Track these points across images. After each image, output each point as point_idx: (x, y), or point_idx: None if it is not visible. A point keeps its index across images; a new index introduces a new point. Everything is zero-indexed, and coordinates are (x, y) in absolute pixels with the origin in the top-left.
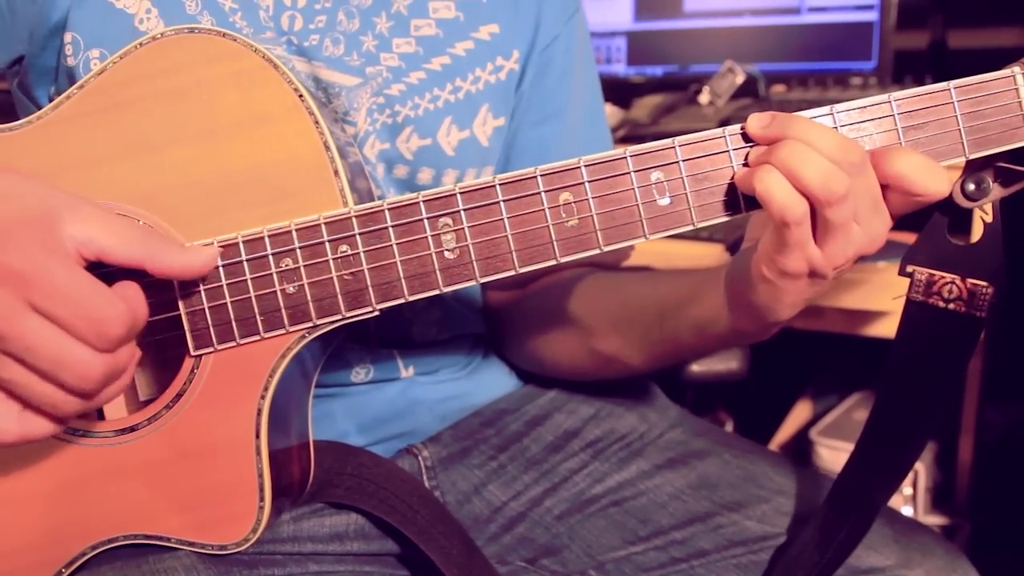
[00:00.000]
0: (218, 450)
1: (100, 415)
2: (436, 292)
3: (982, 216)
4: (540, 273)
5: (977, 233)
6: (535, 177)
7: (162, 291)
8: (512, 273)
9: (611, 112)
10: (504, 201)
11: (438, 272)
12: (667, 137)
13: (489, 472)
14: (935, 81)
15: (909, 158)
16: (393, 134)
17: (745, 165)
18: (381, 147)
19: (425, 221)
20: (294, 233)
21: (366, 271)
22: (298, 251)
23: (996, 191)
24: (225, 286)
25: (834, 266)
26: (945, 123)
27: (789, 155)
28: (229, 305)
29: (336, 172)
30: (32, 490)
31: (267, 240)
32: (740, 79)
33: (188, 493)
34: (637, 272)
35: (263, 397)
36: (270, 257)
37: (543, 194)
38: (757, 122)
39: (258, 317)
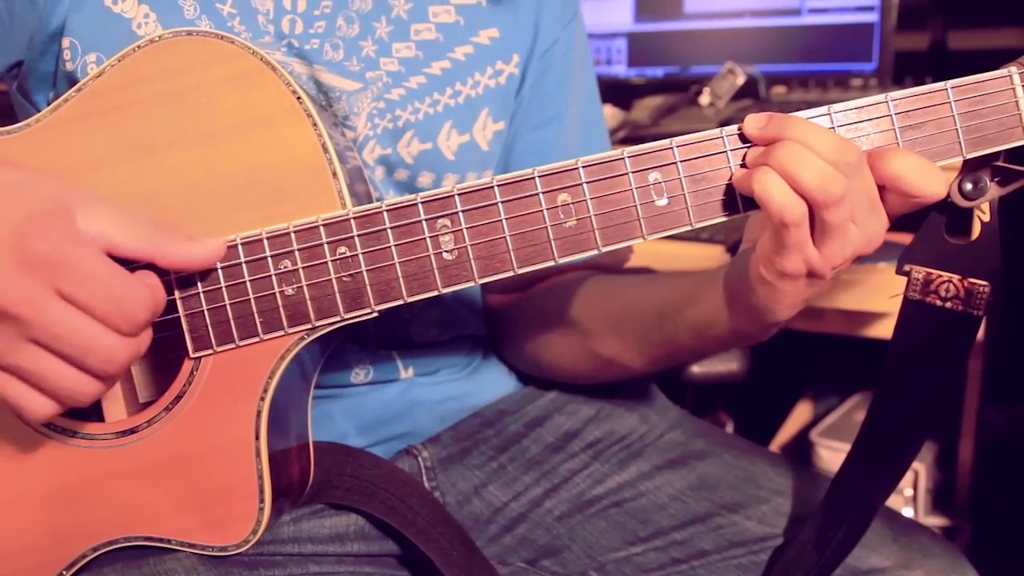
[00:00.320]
0: (218, 452)
1: (100, 417)
2: (435, 293)
3: (979, 215)
4: (540, 276)
5: (975, 232)
6: (533, 178)
7: None
8: (510, 274)
9: (611, 113)
10: (502, 202)
11: (436, 273)
12: (667, 138)
13: (489, 473)
14: (935, 82)
15: (906, 159)
16: (394, 138)
17: (743, 166)
18: (382, 152)
19: (423, 222)
20: (292, 235)
21: (365, 272)
22: (296, 253)
23: (993, 190)
24: (224, 288)
25: (832, 266)
26: (942, 123)
27: (786, 157)
28: (228, 307)
29: (334, 174)
30: (33, 492)
31: (266, 242)
32: (740, 80)
33: (188, 495)
34: (636, 275)
35: (262, 399)
36: (269, 259)
37: (541, 195)
38: (754, 123)
39: (257, 319)
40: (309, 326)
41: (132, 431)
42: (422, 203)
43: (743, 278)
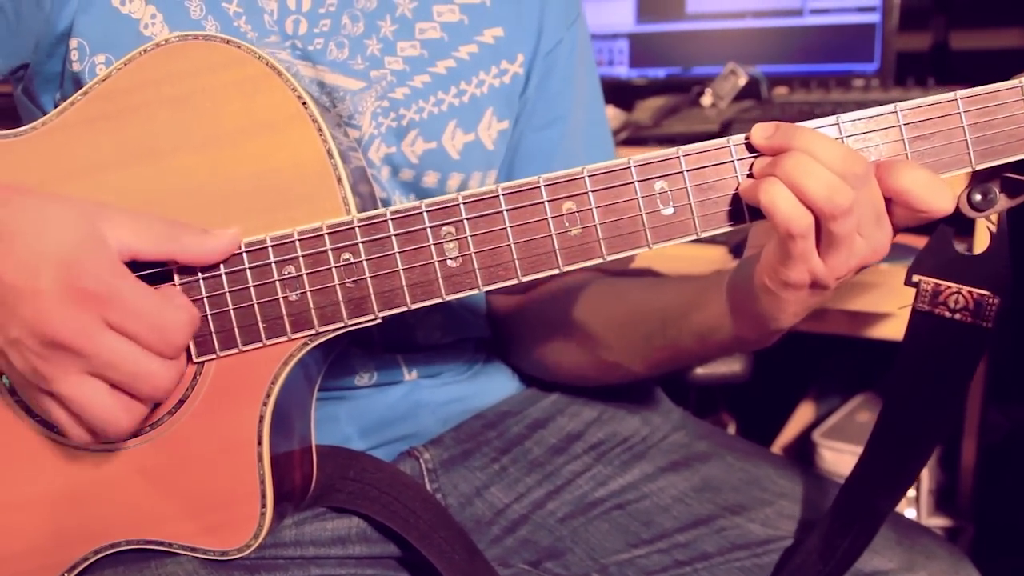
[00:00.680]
0: (220, 456)
1: None
2: (439, 300)
3: (988, 227)
4: (544, 279)
5: (983, 243)
6: (539, 186)
7: None
8: (514, 282)
9: (613, 114)
10: (507, 210)
11: (441, 280)
12: (669, 139)
13: (491, 474)
14: (938, 82)
15: (914, 173)
16: (398, 138)
17: (750, 176)
18: (387, 151)
19: (428, 230)
20: (297, 241)
21: (368, 279)
22: (301, 259)
23: (1003, 202)
24: (228, 293)
25: (836, 277)
26: (951, 134)
27: (793, 168)
28: (232, 312)
29: (340, 180)
30: (36, 495)
31: (270, 248)
32: (742, 81)
33: (190, 499)
34: (640, 279)
35: (265, 404)
36: (273, 264)
37: (546, 203)
38: (761, 132)
39: (260, 324)
40: (312, 332)
41: (135, 435)
42: (427, 210)
43: (747, 286)
